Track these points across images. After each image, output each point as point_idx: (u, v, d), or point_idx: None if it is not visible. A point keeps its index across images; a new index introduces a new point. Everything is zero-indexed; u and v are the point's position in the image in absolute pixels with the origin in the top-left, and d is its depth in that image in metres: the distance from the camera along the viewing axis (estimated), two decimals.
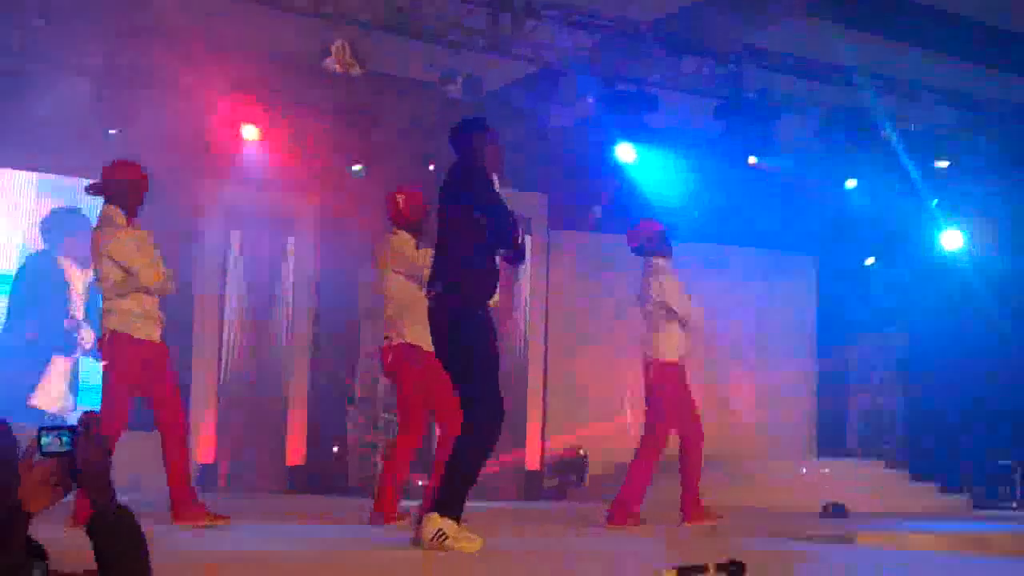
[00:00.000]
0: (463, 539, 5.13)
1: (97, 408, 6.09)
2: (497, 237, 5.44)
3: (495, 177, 5.47)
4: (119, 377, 6.35)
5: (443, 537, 5.08)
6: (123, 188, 6.47)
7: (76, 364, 11.43)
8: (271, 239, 12.32)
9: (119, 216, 6.44)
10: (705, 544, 5.99)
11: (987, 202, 13.20)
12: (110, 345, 6.37)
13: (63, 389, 11.44)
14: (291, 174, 11.39)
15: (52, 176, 11.39)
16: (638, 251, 7.84)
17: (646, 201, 12.01)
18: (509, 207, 5.48)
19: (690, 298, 7.75)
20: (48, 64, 10.04)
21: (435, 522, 5.10)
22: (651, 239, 7.82)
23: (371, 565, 4.82)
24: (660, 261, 7.75)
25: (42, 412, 10.97)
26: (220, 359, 11.93)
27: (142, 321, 6.41)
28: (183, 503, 6.41)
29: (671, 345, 7.67)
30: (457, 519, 5.16)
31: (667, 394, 7.66)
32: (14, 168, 11.40)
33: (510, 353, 12.38)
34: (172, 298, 6.70)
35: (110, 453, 2.81)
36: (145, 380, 6.42)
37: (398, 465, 6.92)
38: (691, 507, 7.61)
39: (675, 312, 7.61)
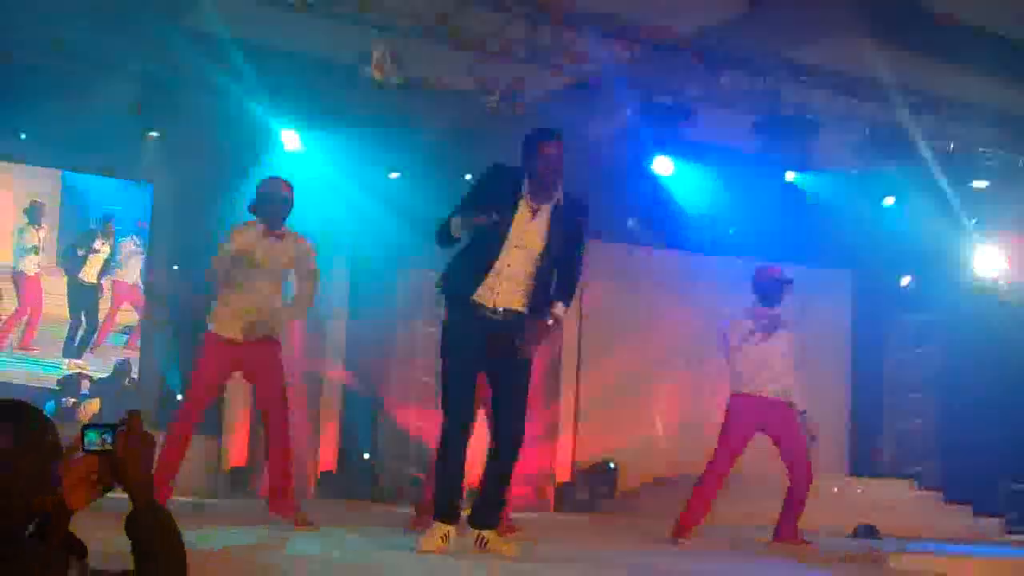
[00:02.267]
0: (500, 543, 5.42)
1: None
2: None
3: (526, 181, 5.40)
4: None
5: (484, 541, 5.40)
6: None
7: None
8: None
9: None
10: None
11: None
12: None
13: None
14: (329, 181, 11.43)
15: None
16: (759, 289, 7.82)
17: (682, 214, 12.01)
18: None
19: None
20: (89, 65, 10.12)
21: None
22: (765, 284, 7.83)
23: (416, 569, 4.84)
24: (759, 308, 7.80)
25: None
26: None
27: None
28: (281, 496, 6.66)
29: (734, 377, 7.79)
30: (443, 519, 5.38)
31: (726, 424, 7.75)
32: (55, 167, 11.54)
33: (543, 363, 12.40)
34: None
35: (152, 453, 2.84)
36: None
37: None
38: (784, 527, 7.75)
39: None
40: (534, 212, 5.43)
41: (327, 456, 12.21)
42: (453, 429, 5.46)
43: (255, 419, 10.75)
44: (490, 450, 5.57)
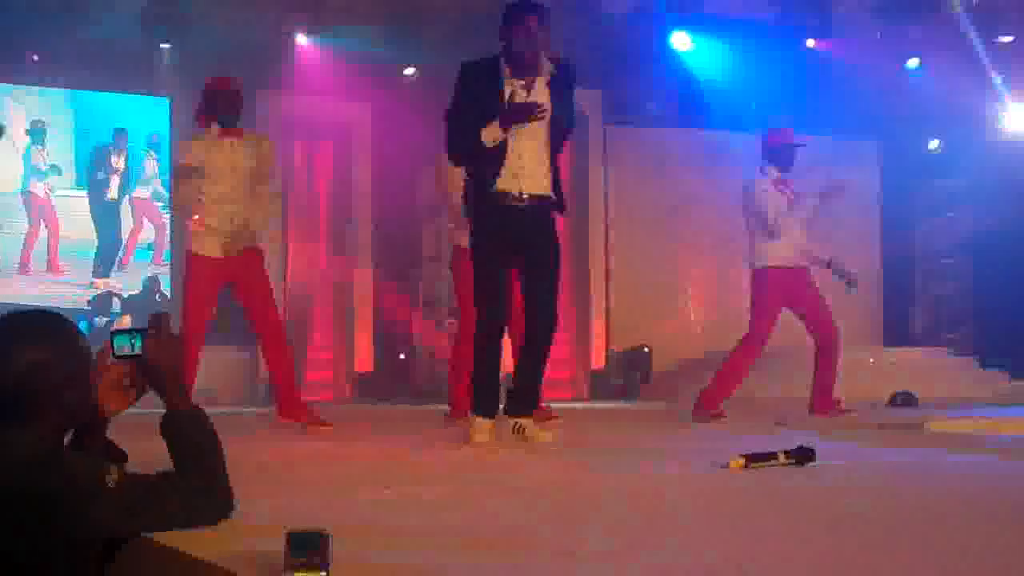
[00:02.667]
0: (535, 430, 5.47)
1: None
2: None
3: (505, 67, 5.29)
4: None
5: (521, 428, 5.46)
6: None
7: None
8: (331, 148, 12.35)
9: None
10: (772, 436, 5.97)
11: None
12: None
13: None
14: (344, 80, 11.34)
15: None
16: (772, 153, 7.72)
17: (703, 91, 11.84)
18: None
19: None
20: None
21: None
22: (777, 148, 7.72)
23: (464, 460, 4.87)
24: (773, 171, 7.70)
25: None
26: (286, 269, 12.07)
27: None
28: (288, 400, 6.65)
29: (761, 253, 7.71)
30: (485, 414, 5.43)
31: (756, 300, 7.70)
32: (65, 87, 11.45)
33: (571, 252, 12.39)
34: None
35: (182, 354, 2.83)
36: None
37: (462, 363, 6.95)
38: (819, 399, 7.72)
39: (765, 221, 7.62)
40: (527, 89, 5.31)
41: (363, 358, 12.28)
42: (488, 326, 5.43)
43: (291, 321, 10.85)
44: (524, 335, 5.54)
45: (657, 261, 13.17)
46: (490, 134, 5.25)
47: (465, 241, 6.48)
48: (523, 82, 5.31)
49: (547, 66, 5.35)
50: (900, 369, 12.12)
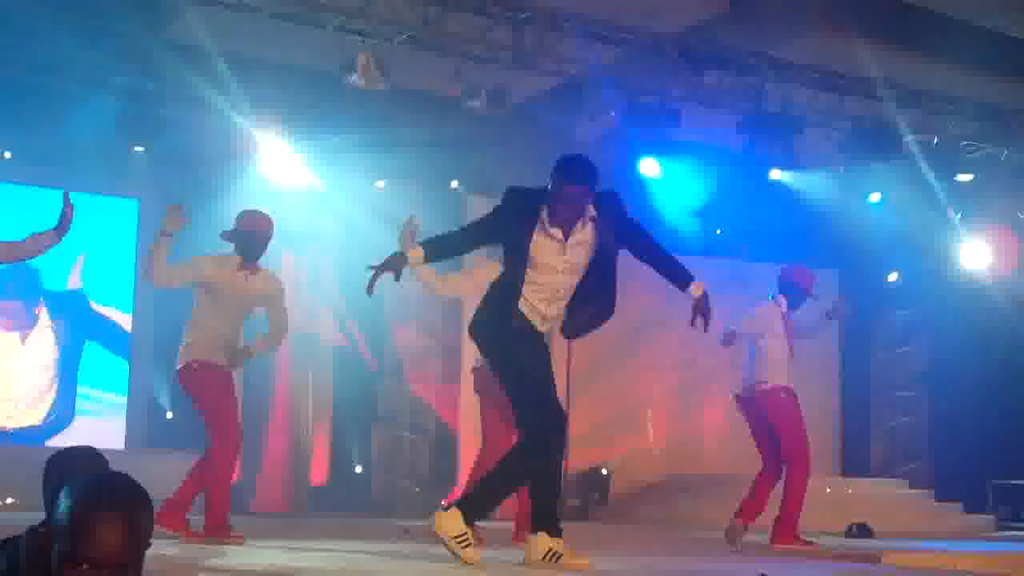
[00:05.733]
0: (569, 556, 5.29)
1: None
2: None
3: (545, 217, 5.30)
4: None
5: (556, 556, 5.26)
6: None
7: None
8: (296, 258, 12.34)
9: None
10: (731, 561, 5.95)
11: (1011, 216, 13.19)
12: None
13: None
14: (315, 192, 11.46)
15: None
16: (786, 288, 8.00)
17: (669, 216, 12.00)
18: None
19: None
20: (74, 82, 10.12)
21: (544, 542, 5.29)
22: (791, 287, 8.01)
23: None
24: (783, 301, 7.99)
25: None
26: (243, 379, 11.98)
27: None
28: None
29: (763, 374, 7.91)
30: (552, 532, 5.29)
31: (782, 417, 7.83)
32: (40, 185, 11.47)
33: None
34: None
35: None
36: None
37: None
38: (782, 529, 7.69)
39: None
40: (566, 235, 5.32)
41: (319, 471, 12.20)
42: (550, 424, 5.26)
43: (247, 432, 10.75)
44: (518, 448, 5.44)
45: (618, 381, 13.19)
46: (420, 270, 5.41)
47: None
48: (558, 231, 5.30)
49: (589, 211, 5.34)
50: (857, 500, 12.14)
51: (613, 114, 10.87)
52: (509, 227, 5.32)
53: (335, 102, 10.33)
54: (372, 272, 5.23)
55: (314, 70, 10.28)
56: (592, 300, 5.45)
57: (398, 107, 10.64)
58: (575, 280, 5.38)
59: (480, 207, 12.18)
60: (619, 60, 10.54)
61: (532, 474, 5.31)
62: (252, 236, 6.82)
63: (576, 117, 10.96)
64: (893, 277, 14.42)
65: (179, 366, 6.74)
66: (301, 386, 12.27)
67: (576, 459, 13.01)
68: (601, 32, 10.21)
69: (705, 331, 5.51)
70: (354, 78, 9.53)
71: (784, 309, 7.89)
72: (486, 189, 11.63)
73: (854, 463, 14.43)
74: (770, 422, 7.74)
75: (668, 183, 12.22)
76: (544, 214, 5.27)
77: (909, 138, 11.66)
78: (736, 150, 11.47)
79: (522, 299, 5.30)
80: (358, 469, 12.29)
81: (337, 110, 10.56)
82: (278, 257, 12.18)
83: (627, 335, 13.17)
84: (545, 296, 5.34)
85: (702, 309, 5.46)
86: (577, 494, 12.78)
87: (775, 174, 12.35)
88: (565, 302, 5.43)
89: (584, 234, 5.31)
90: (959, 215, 13.14)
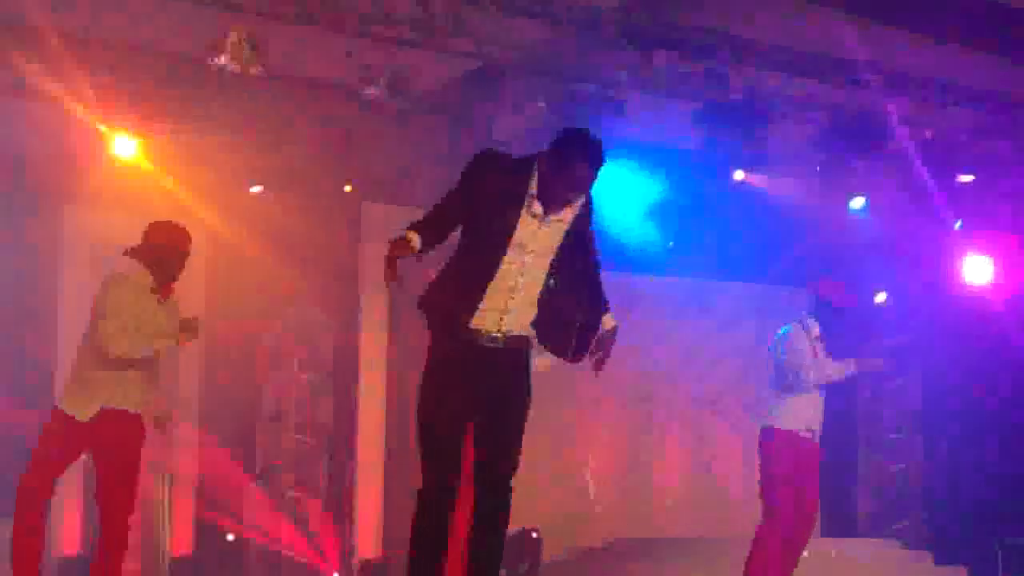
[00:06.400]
0: None
1: None
2: None
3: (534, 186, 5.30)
4: None
5: None
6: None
7: None
8: None
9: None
10: None
11: (1020, 224, 13.14)
12: None
13: None
14: (176, 196, 11.20)
15: None
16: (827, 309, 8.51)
17: (611, 228, 11.91)
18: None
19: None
20: None
21: None
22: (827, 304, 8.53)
23: None
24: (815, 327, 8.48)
25: None
26: None
27: None
28: None
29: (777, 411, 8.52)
30: None
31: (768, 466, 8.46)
32: None
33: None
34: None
35: None
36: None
37: None
38: None
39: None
40: (543, 218, 5.32)
41: (181, 537, 12.06)
42: (437, 489, 5.44)
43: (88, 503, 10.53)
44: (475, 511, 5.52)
45: (551, 424, 12.99)
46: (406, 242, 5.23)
47: None
48: (542, 212, 5.30)
49: (579, 200, 5.41)
50: (844, 566, 12.13)
51: (541, 104, 10.76)
52: (493, 200, 5.29)
53: (199, 90, 10.18)
54: (387, 262, 5.18)
55: (173, 50, 10.11)
56: (578, 304, 5.48)
57: (277, 96, 10.55)
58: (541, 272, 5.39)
59: (379, 217, 12.40)
60: (548, 41, 10.37)
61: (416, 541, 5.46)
62: (166, 251, 7.15)
63: (494, 109, 10.85)
64: (880, 298, 14.38)
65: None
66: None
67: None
68: (527, 6, 9.94)
69: (596, 375, 5.56)
70: (223, 60, 9.37)
71: (813, 335, 8.38)
72: (386, 195, 11.64)
73: (838, 520, 14.32)
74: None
75: (610, 187, 12.13)
76: (532, 188, 5.26)
77: (898, 131, 11.57)
78: (692, 147, 11.38)
79: (495, 297, 5.31)
80: (229, 537, 12.15)
81: (202, 100, 10.38)
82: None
83: (562, 373, 12.99)
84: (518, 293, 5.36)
85: (605, 345, 5.48)
86: (503, 565, 12.57)
87: (739, 175, 12.22)
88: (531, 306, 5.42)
89: (564, 215, 5.34)
90: (958, 222, 13.06)
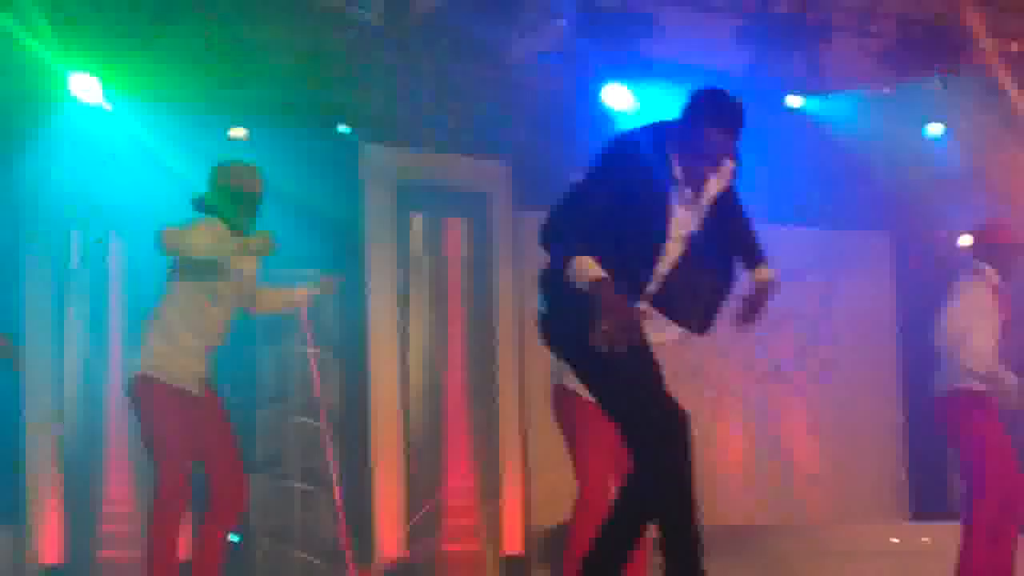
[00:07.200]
0: None
1: None
2: None
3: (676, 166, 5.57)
4: None
5: None
6: None
7: None
8: (121, 244, 12.29)
9: None
10: None
11: None
12: None
13: None
14: (142, 145, 11.31)
15: None
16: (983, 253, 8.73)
17: None
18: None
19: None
20: None
21: None
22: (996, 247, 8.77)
23: None
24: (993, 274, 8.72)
25: None
26: None
27: None
28: None
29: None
30: None
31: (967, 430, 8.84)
32: None
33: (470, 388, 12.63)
34: None
35: None
36: None
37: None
38: None
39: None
40: (693, 201, 5.62)
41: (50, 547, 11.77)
42: (667, 433, 5.48)
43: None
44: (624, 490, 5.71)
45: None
46: (585, 272, 5.33)
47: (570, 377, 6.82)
48: (691, 196, 5.61)
49: (728, 167, 5.79)
50: (936, 554, 12.10)
51: (562, 24, 10.99)
52: (643, 189, 5.50)
53: (171, 22, 10.37)
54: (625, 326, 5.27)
55: None
56: (707, 272, 5.75)
57: (260, 23, 10.73)
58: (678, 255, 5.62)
59: (379, 158, 12.16)
60: None
61: (655, 510, 5.50)
62: (239, 197, 7.53)
63: (511, 32, 11.05)
64: (965, 241, 14.47)
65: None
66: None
67: (539, 515, 12.86)
68: None
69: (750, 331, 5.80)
70: None
71: (992, 283, 8.66)
72: (388, 135, 11.73)
73: (929, 499, 14.51)
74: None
75: (643, 118, 12.27)
76: (676, 171, 5.53)
77: (981, 44, 11.66)
78: (737, 70, 11.53)
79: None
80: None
81: (175, 33, 10.53)
82: (107, 245, 12.20)
83: None
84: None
85: (758, 303, 5.73)
86: (546, 558, 12.63)
87: (792, 100, 12.45)
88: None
89: (710, 188, 5.66)
90: None
